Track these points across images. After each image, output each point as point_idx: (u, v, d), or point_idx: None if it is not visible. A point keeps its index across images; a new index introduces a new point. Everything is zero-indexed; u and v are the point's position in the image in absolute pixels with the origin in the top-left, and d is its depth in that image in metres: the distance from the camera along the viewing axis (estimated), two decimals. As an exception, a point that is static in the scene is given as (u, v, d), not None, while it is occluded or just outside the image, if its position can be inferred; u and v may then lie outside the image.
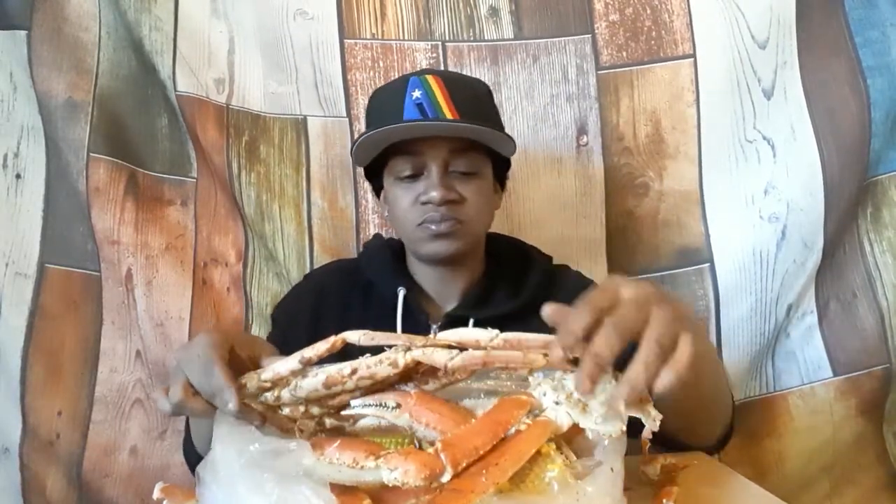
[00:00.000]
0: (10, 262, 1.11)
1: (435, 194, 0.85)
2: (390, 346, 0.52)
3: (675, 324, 0.48)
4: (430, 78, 0.87)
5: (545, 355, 0.51)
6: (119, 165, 1.13)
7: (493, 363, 0.51)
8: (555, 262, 1.03)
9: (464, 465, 0.42)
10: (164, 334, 1.14)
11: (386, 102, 0.90)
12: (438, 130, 0.86)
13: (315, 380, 0.51)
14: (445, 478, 0.41)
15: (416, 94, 0.85)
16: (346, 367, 0.50)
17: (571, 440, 0.50)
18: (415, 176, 0.88)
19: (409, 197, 0.88)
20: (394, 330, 0.91)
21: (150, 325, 1.13)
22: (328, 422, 0.54)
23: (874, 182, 1.17)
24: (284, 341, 0.65)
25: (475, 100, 0.90)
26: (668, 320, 0.48)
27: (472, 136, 0.86)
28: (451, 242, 0.88)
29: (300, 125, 1.19)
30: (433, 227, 0.86)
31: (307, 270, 1.17)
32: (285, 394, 0.52)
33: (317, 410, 0.53)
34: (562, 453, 0.47)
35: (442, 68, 1.20)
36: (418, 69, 1.19)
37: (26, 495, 1.09)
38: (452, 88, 0.87)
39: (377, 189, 0.99)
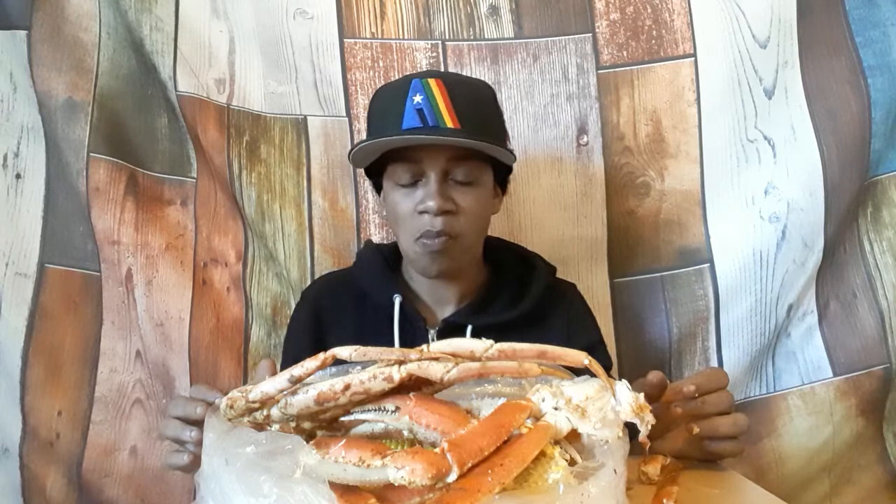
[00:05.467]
0: (10, 262, 1.11)
1: (432, 203, 0.84)
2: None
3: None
4: (432, 82, 0.86)
5: (539, 365, 0.51)
6: (119, 165, 1.13)
7: (488, 374, 0.51)
8: (554, 263, 1.03)
9: (469, 465, 0.41)
10: (164, 334, 1.14)
11: (387, 105, 0.89)
12: (436, 142, 0.85)
13: (306, 396, 0.49)
14: (451, 477, 0.41)
15: (418, 98, 0.84)
16: (338, 382, 0.48)
17: (571, 443, 0.50)
18: (414, 183, 0.87)
19: (408, 205, 0.87)
20: (391, 337, 0.91)
21: (150, 325, 1.13)
22: (319, 434, 0.53)
23: (874, 182, 1.17)
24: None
25: (477, 106, 0.89)
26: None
27: (471, 147, 0.86)
28: (444, 261, 0.88)
29: (300, 125, 1.19)
30: (427, 242, 0.86)
31: (308, 270, 1.17)
32: (275, 412, 0.51)
33: (308, 425, 0.52)
34: (567, 454, 0.48)
35: (442, 68, 1.20)
36: (419, 68, 1.19)
37: (26, 495, 1.10)
38: (454, 94, 0.86)
39: (378, 187, 0.99)
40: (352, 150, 0.89)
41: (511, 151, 0.89)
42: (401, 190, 0.88)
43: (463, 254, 0.91)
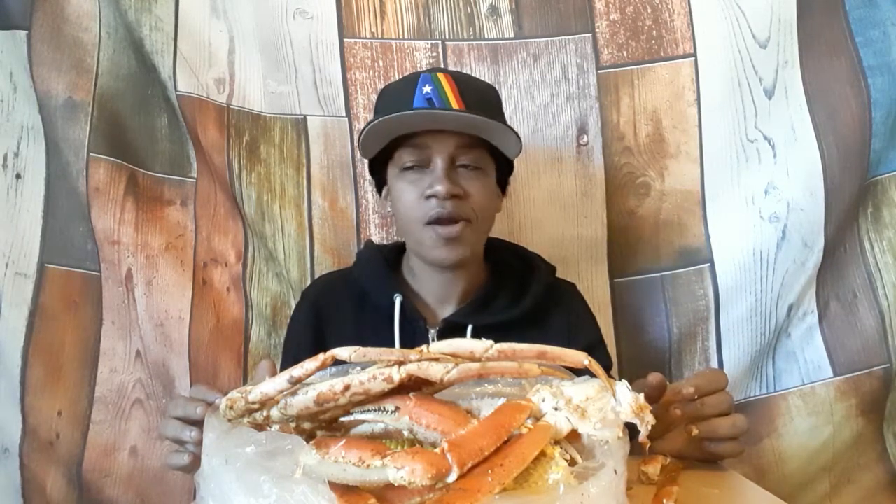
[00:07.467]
0: (10, 262, 1.11)
1: (440, 188, 0.84)
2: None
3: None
4: (440, 75, 0.88)
5: (539, 365, 0.51)
6: (119, 165, 1.13)
7: (488, 375, 0.51)
8: (554, 263, 1.03)
9: (469, 465, 0.41)
10: (164, 334, 1.14)
11: (395, 96, 0.90)
12: (448, 122, 0.86)
13: (305, 397, 0.49)
14: (451, 478, 0.41)
15: (427, 89, 0.86)
16: (338, 383, 0.48)
17: (571, 444, 0.50)
18: (420, 168, 0.88)
19: (415, 192, 0.88)
20: (392, 337, 0.91)
21: (150, 325, 1.13)
22: (319, 434, 0.53)
23: (874, 182, 1.17)
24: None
25: (484, 99, 0.90)
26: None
27: (481, 126, 0.86)
28: (459, 248, 0.88)
29: (300, 125, 1.19)
30: (440, 229, 0.86)
31: (308, 270, 1.17)
32: (274, 412, 0.51)
33: (308, 425, 0.52)
34: (567, 454, 0.48)
35: (442, 67, 1.20)
36: (419, 68, 1.19)
37: (26, 495, 1.10)
38: (462, 87, 0.87)
39: (379, 185, 0.99)
40: (362, 130, 0.89)
41: (518, 136, 0.89)
42: (407, 176, 0.89)
43: (476, 241, 0.92)
